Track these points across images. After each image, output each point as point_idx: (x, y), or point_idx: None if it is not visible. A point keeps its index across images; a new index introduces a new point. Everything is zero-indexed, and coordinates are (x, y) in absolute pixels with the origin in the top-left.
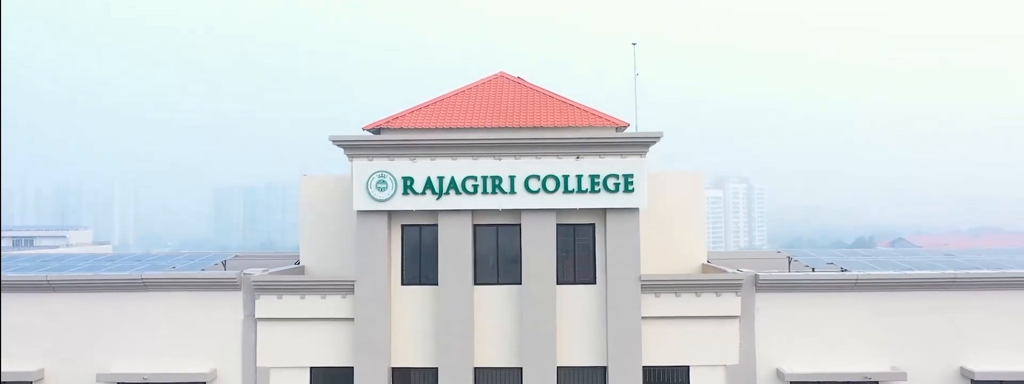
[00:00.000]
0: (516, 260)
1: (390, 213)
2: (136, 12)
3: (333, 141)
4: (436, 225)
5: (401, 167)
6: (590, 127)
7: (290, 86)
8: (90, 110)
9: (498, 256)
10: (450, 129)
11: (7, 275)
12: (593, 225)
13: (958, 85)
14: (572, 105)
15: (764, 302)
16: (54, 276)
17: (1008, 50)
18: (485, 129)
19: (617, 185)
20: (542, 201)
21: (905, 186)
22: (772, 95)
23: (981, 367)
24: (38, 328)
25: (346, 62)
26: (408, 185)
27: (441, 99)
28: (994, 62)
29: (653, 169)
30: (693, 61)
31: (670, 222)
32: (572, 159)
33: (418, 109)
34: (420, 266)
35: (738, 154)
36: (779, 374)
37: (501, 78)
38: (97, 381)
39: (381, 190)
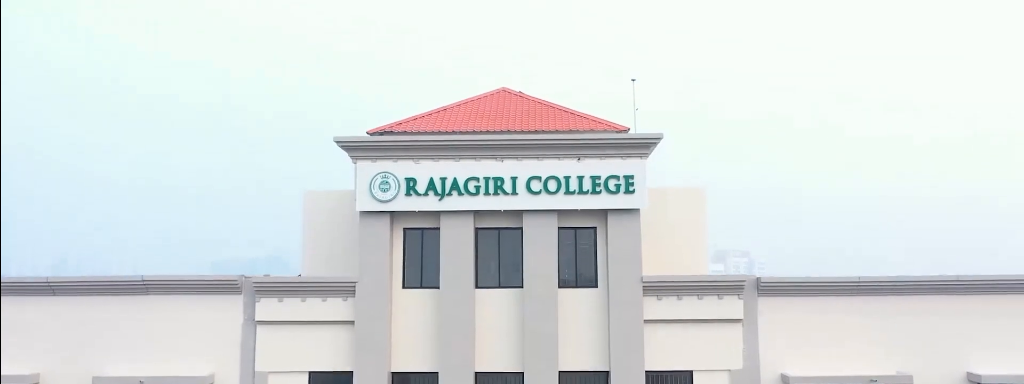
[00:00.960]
0: (518, 264)
1: (393, 215)
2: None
3: (337, 142)
4: (438, 229)
5: (404, 168)
6: (591, 131)
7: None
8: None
9: (500, 260)
10: (453, 132)
11: (8, 276)
12: (594, 229)
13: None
14: (572, 113)
15: (767, 305)
16: (54, 278)
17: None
18: (487, 132)
19: (618, 186)
20: (543, 202)
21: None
22: (798, 172)
23: (988, 370)
24: (36, 330)
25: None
26: (411, 186)
27: (444, 108)
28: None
29: (653, 184)
30: (702, 139)
31: (672, 237)
32: (573, 161)
33: (421, 116)
34: (421, 269)
35: (742, 229)
36: (784, 378)
37: (503, 92)
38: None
39: (384, 191)
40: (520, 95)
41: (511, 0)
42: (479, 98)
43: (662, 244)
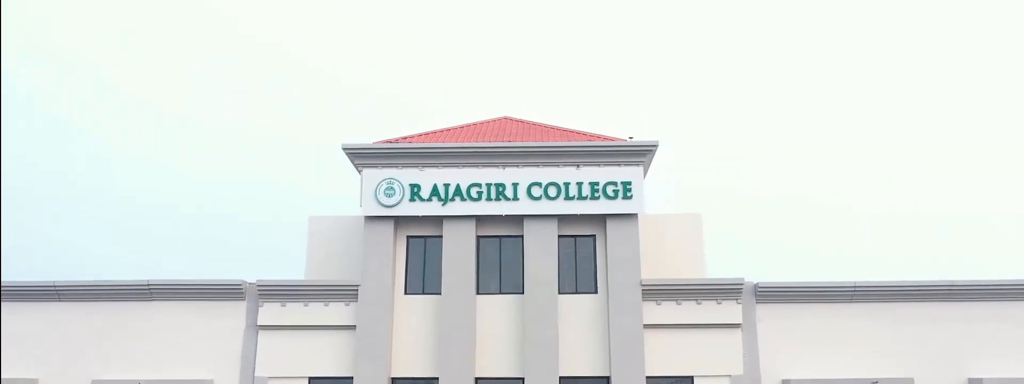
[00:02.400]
0: (519, 270)
1: (397, 221)
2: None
3: (345, 149)
4: (440, 237)
5: (409, 175)
6: (588, 141)
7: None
8: None
9: (501, 267)
10: (456, 142)
11: (11, 281)
12: (593, 236)
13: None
14: (571, 130)
15: (765, 312)
16: (61, 283)
17: None
18: (489, 142)
19: (616, 192)
20: (544, 207)
21: None
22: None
23: (988, 374)
24: (36, 335)
25: None
26: (415, 191)
27: (447, 129)
28: None
29: (651, 210)
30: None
31: (668, 263)
32: (572, 169)
33: (425, 134)
34: (423, 276)
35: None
36: (785, 383)
37: (505, 119)
38: None
39: (389, 196)
40: (521, 121)
41: (523, 37)
42: (482, 122)
43: (658, 270)
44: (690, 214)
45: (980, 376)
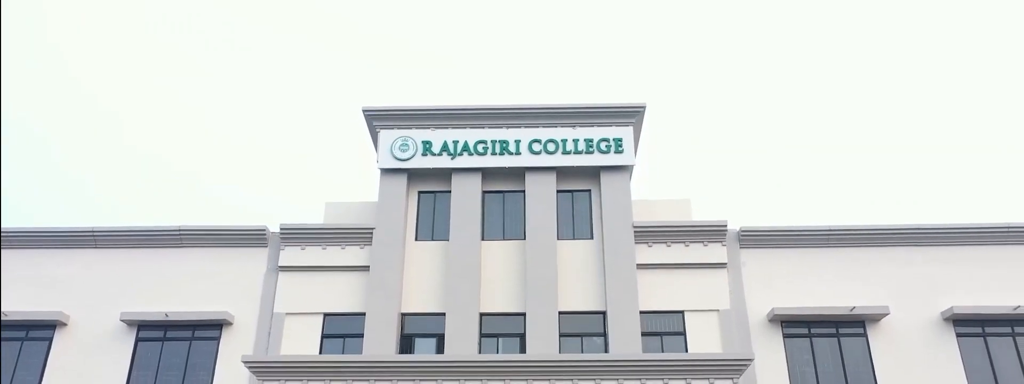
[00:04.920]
0: (520, 220)
1: (409, 176)
2: None
3: (364, 112)
4: (449, 192)
5: (421, 134)
6: (584, 103)
7: None
8: None
9: (504, 218)
10: (465, 104)
11: (48, 226)
12: (589, 191)
13: None
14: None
15: (749, 256)
16: (99, 228)
17: None
18: (494, 103)
19: (608, 147)
20: (543, 160)
21: None
22: None
23: (960, 302)
24: (69, 278)
25: None
26: (427, 147)
27: None
28: None
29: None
30: None
31: None
32: (570, 128)
33: None
34: (433, 226)
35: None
36: (768, 312)
37: None
38: (121, 320)
39: (403, 151)
40: None
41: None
42: None
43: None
44: (680, 200)
45: (952, 305)
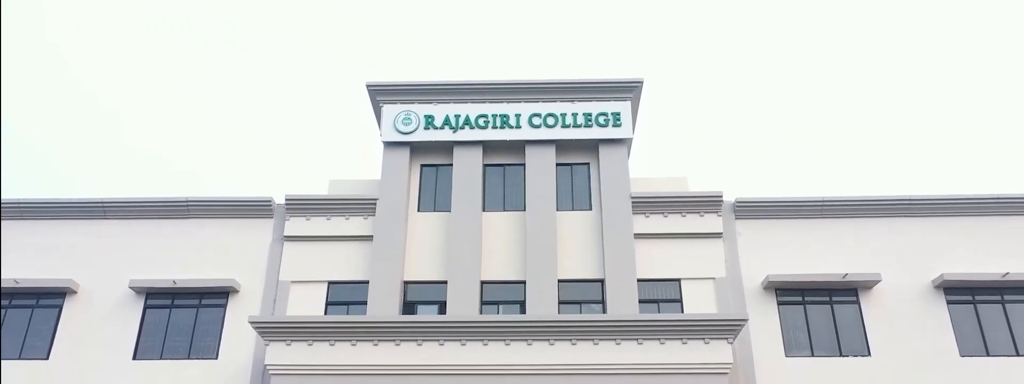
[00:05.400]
0: (520, 192)
1: (412, 150)
2: None
3: (368, 86)
4: (451, 165)
5: (424, 108)
6: (582, 78)
7: None
8: None
9: (504, 190)
10: (466, 79)
11: (60, 198)
12: (588, 165)
13: None
14: None
15: (744, 226)
16: (108, 199)
17: None
18: (495, 78)
19: (606, 121)
20: (543, 134)
21: None
22: None
23: (951, 270)
24: (77, 247)
25: None
26: (429, 121)
27: None
28: None
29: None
30: None
31: None
32: (569, 103)
33: None
34: (435, 198)
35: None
36: (762, 280)
37: None
38: (129, 287)
39: (406, 124)
40: None
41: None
42: None
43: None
44: (676, 177)
45: (942, 273)
